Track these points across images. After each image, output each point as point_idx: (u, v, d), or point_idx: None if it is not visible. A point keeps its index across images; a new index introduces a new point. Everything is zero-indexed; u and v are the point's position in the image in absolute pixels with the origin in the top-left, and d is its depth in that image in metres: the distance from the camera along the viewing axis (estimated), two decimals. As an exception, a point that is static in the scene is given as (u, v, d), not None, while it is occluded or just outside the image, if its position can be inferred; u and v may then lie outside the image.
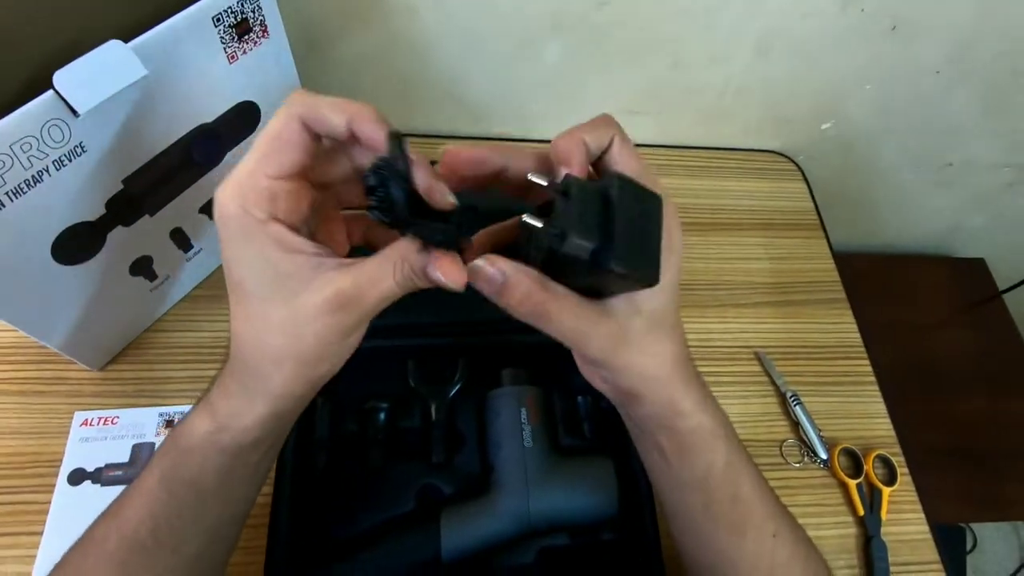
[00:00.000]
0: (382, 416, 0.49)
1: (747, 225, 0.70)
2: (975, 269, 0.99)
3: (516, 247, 0.27)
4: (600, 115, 0.26)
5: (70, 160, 0.37)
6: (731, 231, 0.69)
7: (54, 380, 0.50)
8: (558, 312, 0.25)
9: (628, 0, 0.57)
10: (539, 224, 0.23)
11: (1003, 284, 0.96)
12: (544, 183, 0.24)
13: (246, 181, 0.23)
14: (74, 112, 0.35)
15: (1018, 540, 1.24)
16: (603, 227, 0.22)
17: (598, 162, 0.26)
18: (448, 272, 0.24)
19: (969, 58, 0.66)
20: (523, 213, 0.24)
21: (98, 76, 0.35)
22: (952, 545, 1.16)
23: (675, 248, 0.26)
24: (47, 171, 0.36)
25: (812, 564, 0.34)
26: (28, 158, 0.34)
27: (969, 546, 1.19)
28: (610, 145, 0.26)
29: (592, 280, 0.24)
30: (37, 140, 0.34)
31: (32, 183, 0.36)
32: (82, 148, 0.37)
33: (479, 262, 0.24)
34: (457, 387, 0.51)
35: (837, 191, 0.86)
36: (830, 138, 0.75)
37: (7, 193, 0.35)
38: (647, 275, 0.22)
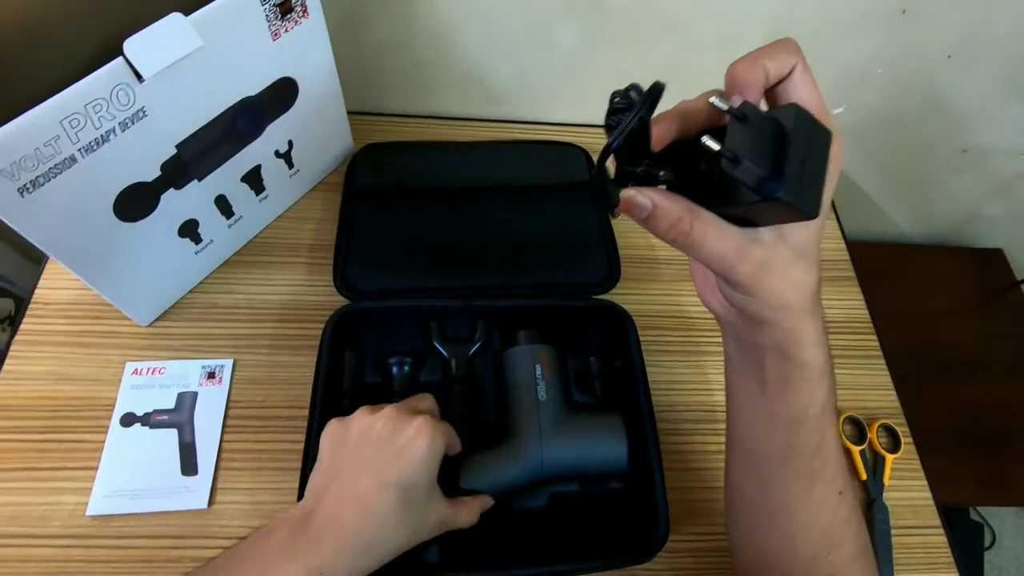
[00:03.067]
0: (406, 369, 0.52)
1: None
2: (993, 259, 0.98)
3: (687, 151, 0.27)
4: (783, 39, 0.26)
5: (133, 123, 0.41)
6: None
7: (108, 334, 0.54)
8: (703, 238, 0.25)
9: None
10: (716, 146, 0.23)
11: (1021, 274, 0.96)
12: (724, 108, 0.24)
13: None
14: (139, 77, 0.39)
15: (1038, 537, 1.23)
16: (775, 157, 0.22)
17: (775, 87, 0.26)
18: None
19: (982, 40, 0.66)
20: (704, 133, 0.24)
21: (161, 45, 0.39)
22: (970, 541, 1.15)
23: (831, 184, 0.26)
24: (114, 132, 0.40)
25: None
26: (99, 118, 0.39)
27: (988, 542, 1.18)
28: (791, 73, 0.25)
29: (752, 206, 0.24)
30: (107, 102, 0.39)
31: (101, 141, 0.40)
32: (143, 112, 0.41)
33: (630, 191, 0.26)
34: (476, 346, 0.54)
35: (850, 177, 0.87)
36: (842, 123, 0.77)
37: (80, 149, 0.39)
38: (808, 209, 0.23)
